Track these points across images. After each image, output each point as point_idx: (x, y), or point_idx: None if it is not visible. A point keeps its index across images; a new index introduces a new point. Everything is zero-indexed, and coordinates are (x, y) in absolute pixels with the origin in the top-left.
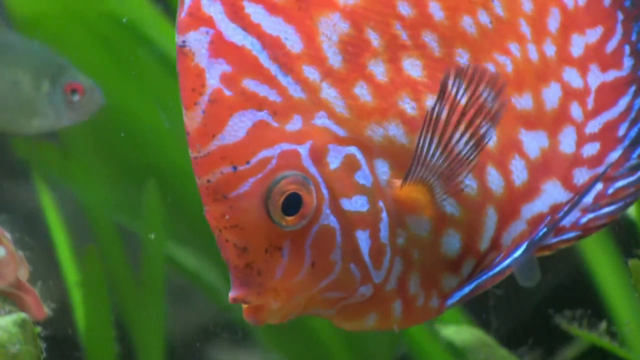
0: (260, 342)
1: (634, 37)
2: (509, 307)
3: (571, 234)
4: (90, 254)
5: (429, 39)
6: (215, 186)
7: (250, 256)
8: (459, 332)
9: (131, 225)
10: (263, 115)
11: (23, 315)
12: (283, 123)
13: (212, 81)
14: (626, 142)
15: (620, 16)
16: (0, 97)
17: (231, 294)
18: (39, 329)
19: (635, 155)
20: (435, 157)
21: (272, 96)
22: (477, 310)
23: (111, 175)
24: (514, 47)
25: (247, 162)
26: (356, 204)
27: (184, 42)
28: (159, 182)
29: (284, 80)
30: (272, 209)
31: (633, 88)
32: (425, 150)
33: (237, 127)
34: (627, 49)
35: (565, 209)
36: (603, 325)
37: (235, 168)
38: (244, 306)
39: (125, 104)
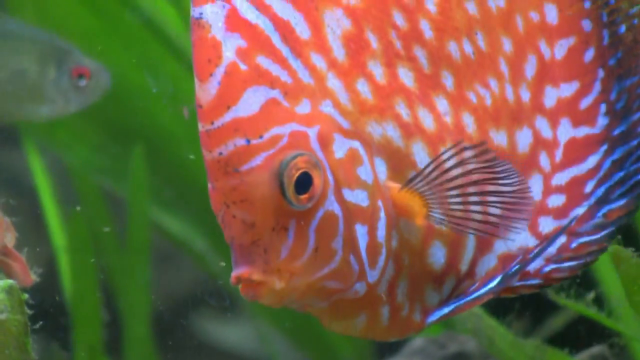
0: (248, 310)
1: (613, 96)
2: None
3: (534, 281)
4: (76, 218)
5: (420, 54)
6: (227, 159)
7: (257, 233)
8: None
9: (118, 189)
10: (275, 93)
11: (10, 282)
12: (293, 104)
13: (228, 54)
14: (592, 200)
15: (601, 73)
16: (8, 86)
17: (235, 273)
18: (26, 296)
19: (600, 214)
20: (444, 181)
21: (284, 77)
22: None
23: (98, 140)
24: (493, 83)
25: (260, 137)
26: (357, 197)
27: (200, 14)
28: (146, 146)
29: (294, 64)
30: (286, 184)
31: (604, 147)
32: (436, 170)
33: (251, 101)
34: (603, 107)
35: (536, 250)
36: (591, 295)
37: (248, 141)
38: (242, 288)
39: (112, 68)
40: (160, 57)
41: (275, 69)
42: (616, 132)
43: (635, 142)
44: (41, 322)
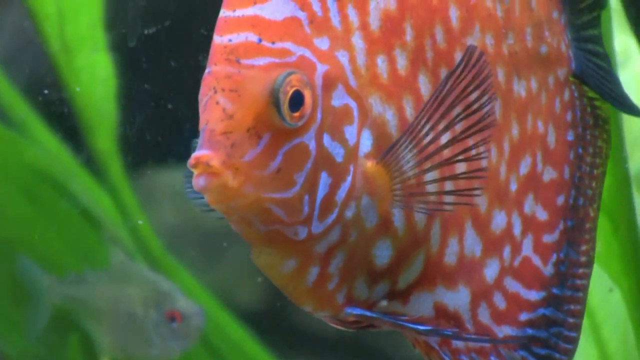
0: None
1: (562, 254)
2: None
3: (446, 355)
4: None
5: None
6: (233, 47)
7: (232, 125)
8: None
9: None
10: (302, 15)
11: None
12: (314, 35)
13: None
14: (520, 333)
15: (561, 226)
16: (120, 329)
17: (197, 153)
18: None
19: (520, 353)
20: (410, 159)
21: (316, 6)
22: None
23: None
24: (493, 151)
25: (273, 42)
26: (335, 149)
27: None
28: (82, 336)
29: (330, 2)
30: (282, 100)
31: (544, 294)
32: (406, 143)
33: (278, 9)
34: (554, 256)
35: (472, 336)
36: None
37: (260, 40)
38: (197, 172)
39: (47, 255)
40: (96, 246)
41: None
42: (554, 290)
43: (561, 316)
44: None
